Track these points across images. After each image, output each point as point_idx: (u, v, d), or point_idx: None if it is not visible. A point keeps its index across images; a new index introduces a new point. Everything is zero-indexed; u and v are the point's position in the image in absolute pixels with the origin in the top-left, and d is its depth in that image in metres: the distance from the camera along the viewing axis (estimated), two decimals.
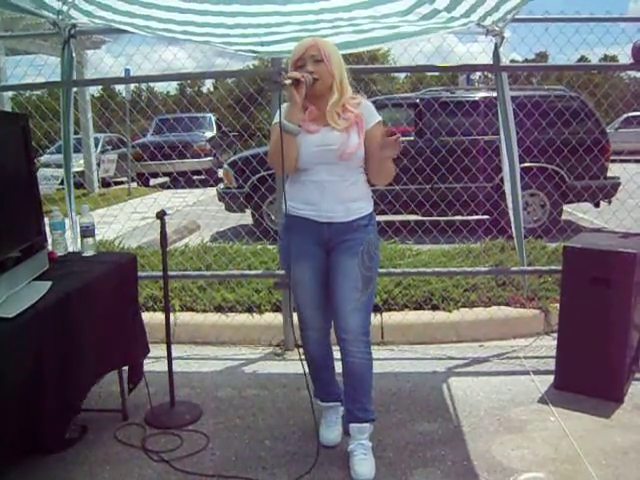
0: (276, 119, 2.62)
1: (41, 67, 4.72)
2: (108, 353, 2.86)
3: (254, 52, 3.76)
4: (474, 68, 5.36)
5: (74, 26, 3.96)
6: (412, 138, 7.69)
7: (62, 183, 4.59)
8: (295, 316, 4.17)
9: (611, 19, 4.27)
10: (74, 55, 4.10)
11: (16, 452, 2.17)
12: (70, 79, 4.12)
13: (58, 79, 4.16)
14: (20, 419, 2.13)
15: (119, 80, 6.76)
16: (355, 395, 2.71)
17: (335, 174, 2.58)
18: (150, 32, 3.41)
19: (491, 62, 4.10)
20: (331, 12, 3.51)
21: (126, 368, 3.13)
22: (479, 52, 4.56)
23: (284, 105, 2.60)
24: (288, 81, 2.44)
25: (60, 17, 3.71)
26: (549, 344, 3.98)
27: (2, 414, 2.00)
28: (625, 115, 18.27)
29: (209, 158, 14.98)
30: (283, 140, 2.46)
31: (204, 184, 9.63)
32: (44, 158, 13.58)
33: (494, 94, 4.63)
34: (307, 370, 2.86)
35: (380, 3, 3.31)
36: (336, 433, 2.88)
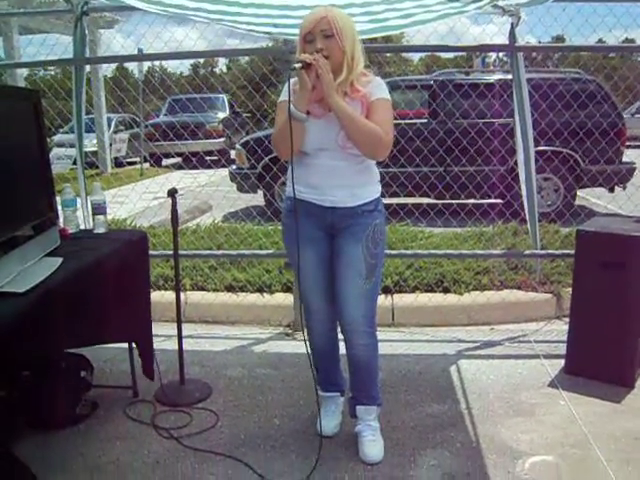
0: (283, 97, 2.50)
1: (53, 45, 4.71)
2: (118, 328, 2.87)
3: (266, 33, 3.71)
4: (489, 48, 5.28)
5: (87, 3, 3.94)
6: (425, 120, 7.63)
7: (75, 162, 4.60)
8: None
9: None
10: (87, 33, 4.09)
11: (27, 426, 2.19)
12: (82, 56, 4.11)
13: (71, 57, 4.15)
14: (31, 393, 2.15)
15: (131, 57, 6.67)
16: (361, 383, 2.70)
17: (341, 159, 2.44)
18: (162, 9, 3.38)
19: (507, 42, 4.04)
20: None
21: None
22: (494, 33, 4.50)
23: (293, 81, 2.45)
24: (298, 65, 2.27)
25: None
26: (560, 328, 3.96)
27: (13, 388, 2.01)
28: None
29: (222, 139, 14.95)
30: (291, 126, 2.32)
31: (216, 164, 9.61)
32: (57, 137, 13.60)
33: (509, 76, 4.57)
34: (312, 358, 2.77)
35: None
36: (335, 423, 2.82)
